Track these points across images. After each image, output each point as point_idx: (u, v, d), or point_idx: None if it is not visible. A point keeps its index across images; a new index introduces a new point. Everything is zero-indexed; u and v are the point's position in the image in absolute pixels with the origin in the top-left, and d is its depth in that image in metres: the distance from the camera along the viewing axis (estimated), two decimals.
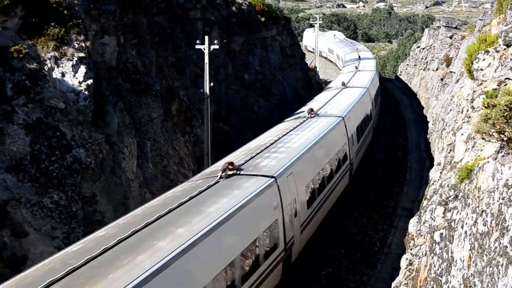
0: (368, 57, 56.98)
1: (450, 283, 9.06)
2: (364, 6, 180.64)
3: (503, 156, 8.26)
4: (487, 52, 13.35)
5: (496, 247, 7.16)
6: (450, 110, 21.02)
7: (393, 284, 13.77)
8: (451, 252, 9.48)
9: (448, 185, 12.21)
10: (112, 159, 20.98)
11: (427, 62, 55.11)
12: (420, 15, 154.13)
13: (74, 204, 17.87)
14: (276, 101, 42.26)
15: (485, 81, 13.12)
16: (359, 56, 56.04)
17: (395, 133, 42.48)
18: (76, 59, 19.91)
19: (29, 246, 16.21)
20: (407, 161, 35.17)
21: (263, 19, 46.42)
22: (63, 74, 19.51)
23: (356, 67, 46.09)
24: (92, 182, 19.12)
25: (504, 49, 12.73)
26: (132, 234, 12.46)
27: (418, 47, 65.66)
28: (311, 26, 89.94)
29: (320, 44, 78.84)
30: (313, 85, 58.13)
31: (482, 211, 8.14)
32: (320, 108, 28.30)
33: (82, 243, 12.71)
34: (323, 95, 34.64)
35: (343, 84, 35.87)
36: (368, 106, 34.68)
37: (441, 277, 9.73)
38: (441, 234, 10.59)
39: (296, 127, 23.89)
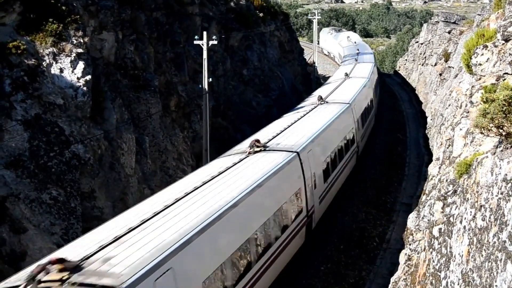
0: (359, 75, 38.42)
1: (449, 278, 9.07)
2: (362, 1, 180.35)
3: (501, 150, 8.26)
4: (485, 47, 13.34)
5: (495, 242, 7.16)
6: (449, 105, 21.02)
7: (392, 279, 13.79)
8: (450, 247, 9.48)
9: (447, 180, 12.21)
10: (110, 155, 20.98)
11: (425, 57, 55.10)
12: (419, 10, 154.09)
13: (73, 200, 17.87)
14: (275, 97, 42.20)
15: (484, 76, 13.11)
16: (347, 73, 39.03)
17: (394, 128, 42.47)
18: (74, 55, 19.88)
19: (28, 242, 16.19)
20: (406, 156, 35.19)
21: (261, 14, 46.39)
22: (61, 70, 19.48)
23: (321, 98, 28.64)
24: (90, 178, 19.11)
25: (503, 44, 12.71)
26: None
27: (417, 42, 65.65)
28: (309, 22, 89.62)
29: (332, 47, 77.96)
30: (311, 80, 58.11)
31: (481, 206, 8.14)
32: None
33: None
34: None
35: (267, 142, 20.15)
36: (296, 183, 18.88)
37: (440, 272, 9.74)
38: (440, 229, 10.60)
39: None
